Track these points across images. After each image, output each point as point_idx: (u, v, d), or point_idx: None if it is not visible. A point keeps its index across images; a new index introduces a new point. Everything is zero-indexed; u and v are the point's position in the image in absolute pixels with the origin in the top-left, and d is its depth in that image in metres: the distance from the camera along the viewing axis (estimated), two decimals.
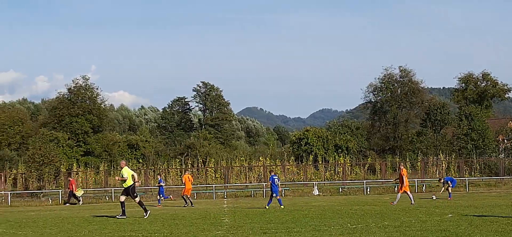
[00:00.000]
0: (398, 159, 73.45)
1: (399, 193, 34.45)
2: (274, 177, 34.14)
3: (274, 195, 33.75)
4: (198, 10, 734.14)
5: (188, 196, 40.16)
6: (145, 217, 26.54)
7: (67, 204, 48.90)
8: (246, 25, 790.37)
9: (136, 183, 27.71)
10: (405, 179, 34.22)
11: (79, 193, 51.10)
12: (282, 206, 32.99)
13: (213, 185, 58.78)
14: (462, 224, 19.70)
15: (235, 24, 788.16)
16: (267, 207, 33.40)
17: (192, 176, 42.13)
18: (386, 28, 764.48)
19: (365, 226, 19.85)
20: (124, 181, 27.39)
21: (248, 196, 54.53)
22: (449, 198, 38.78)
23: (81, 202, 49.55)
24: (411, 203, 32.86)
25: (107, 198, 55.61)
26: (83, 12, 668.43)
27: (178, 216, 27.52)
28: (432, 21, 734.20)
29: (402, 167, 35.59)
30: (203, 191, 57.60)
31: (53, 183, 63.95)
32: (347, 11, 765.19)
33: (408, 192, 34.26)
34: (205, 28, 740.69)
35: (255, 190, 56.36)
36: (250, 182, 63.92)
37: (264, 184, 57.38)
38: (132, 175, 27.66)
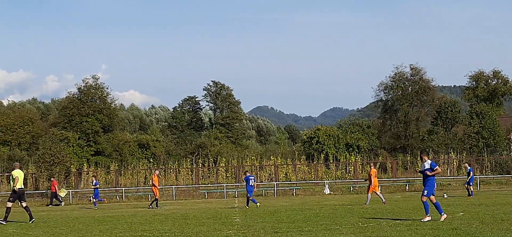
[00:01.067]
0: (409, 157, 73.27)
1: (369, 194, 34.09)
2: (249, 177, 35.24)
3: (248, 195, 34.53)
4: (209, 9, 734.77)
5: (157, 198, 39.16)
6: (30, 222, 25.96)
7: (50, 206, 48.66)
8: (257, 24, 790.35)
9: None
10: (374, 179, 33.94)
11: (62, 193, 51.00)
12: (258, 204, 33.84)
13: (224, 185, 58.81)
14: (474, 222, 19.58)
15: (246, 23, 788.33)
16: (247, 207, 33.98)
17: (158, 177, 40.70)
18: (396, 27, 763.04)
19: (376, 225, 19.76)
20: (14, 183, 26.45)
21: (259, 195, 54.49)
22: (471, 196, 38.60)
23: (63, 203, 49.36)
24: (383, 202, 32.75)
25: (117, 198, 55.70)
26: (94, 12, 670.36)
27: (189, 216, 27.51)
28: (443, 19, 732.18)
29: (371, 167, 35.50)
30: (214, 190, 57.62)
31: (64, 183, 64.10)
32: (358, 9, 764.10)
33: (377, 192, 34.06)
34: (216, 27, 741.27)
35: (266, 189, 56.31)
36: (261, 181, 63.88)
37: (276, 183, 57.32)
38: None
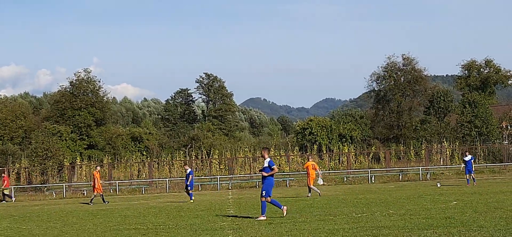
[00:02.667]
0: (402, 147, 73.41)
1: (310, 186, 33.77)
2: (192, 172, 35.83)
3: (189, 188, 34.91)
4: (200, 2, 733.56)
5: (101, 194, 38.58)
6: None
7: (2, 202, 47.84)
8: (249, 15, 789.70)
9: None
10: (311, 172, 33.67)
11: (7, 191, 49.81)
12: (192, 200, 34.07)
13: (218, 177, 58.79)
14: (467, 211, 19.64)
15: (237, 15, 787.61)
16: (192, 200, 34.24)
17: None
18: (388, 17, 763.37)
19: (370, 215, 19.80)
20: None
21: (253, 186, 54.51)
22: (471, 184, 38.49)
23: (14, 199, 48.73)
24: (307, 196, 32.74)
25: (111, 191, 55.62)
26: (86, 5, 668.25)
27: (183, 208, 27.52)
28: (435, 8, 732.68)
29: (310, 160, 35.29)
30: (208, 182, 57.60)
31: (57, 177, 63.94)
32: (349, 0, 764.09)
33: (310, 185, 33.63)
34: (207, 19, 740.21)
35: (260, 181, 56.25)
36: (255, 173, 63.84)
37: None
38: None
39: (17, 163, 72.07)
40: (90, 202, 37.70)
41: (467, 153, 41.54)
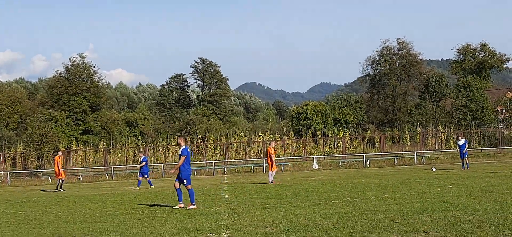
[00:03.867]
0: (397, 131, 73.50)
1: (271, 172, 33.02)
2: (146, 158, 35.60)
3: (145, 176, 34.91)
4: None
5: (62, 179, 37.94)
6: None
7: None
8: (244, 0, 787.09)
9: None
10: (273, 157, 32.96)
11: None
12: (153, 186, 34.03)
13: (213, 161, 58.86)
14: (462, 195, 19.70)
15: (233, 0, 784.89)
16: (138, 188, 33.98)
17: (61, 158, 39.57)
18: (384, 1, 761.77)
19: (365, 199, 19.86)
20: None
21: (248, 171, 54.59)
22: (465, 168, 38.42)
23: None
24: (270, 182, 32.27)
25: (106, 176, 55.65)
26: None
27: None
28: None
29: (272, 144, 34.66)
30: (203, 167, 57.67)
31: (53, 162, 63.87)
32: None
33: (271, 171, 32.91)
34: (202, 3, 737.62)
35: (255, 166, 56.39)
36: (250, 158, 63.95)
37: (263, 159, 57.39)
38: None
39: (12, 148, 72.00)
40: (58, 189, 37.09)
41: (460, 137, 41.47)
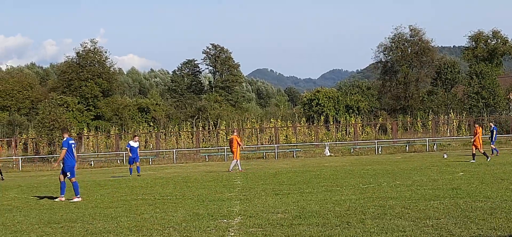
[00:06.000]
0: (409, 118, 73.29)
1: (235, 160, 32.91)
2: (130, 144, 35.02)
3: (136, 160, 34.39)
4: None
5: None
6: None
7: None
8: None
9: None
10: (235, 146, 32.80)
11: None
12: (139, 175, 33.23)
13: (225, 148, 58.84)
14: (473, 182, 19.64)
15: None
16: (132, 175, 33.48)
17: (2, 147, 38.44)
18: None
19: (377, 186, 19.83)
20: None
21: (260, 157, 54.61)
22: (496, 154, 38.32)
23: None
24: (239, 170, 32.21)
25: (118, 162, 55.83)
26: None
27: (190, 179, 27.59)
28: None
29: (235, 133, 34.42)
30: (215, 153, 57.71)
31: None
32: None
33: (237, 159, 32.86)
34: None
35: (267, 152, 56.40)
36: (262, 144, 63.97)
37: (276, 145, 57.40)
38: None
39: (24, 133, 72.34)
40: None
41: (491, 124, 41.80)
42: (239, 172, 31.46)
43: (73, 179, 20.02)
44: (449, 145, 56.11)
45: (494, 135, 40.63)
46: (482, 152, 32.49)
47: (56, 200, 20.03)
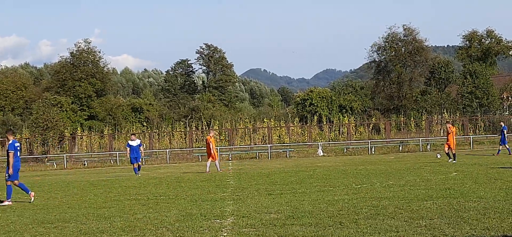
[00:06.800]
0: (402, 118, 73.41)
1: (210, 161, 32.87)
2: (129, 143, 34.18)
3: (138, 161, 33.83)
4: None
5: None
6: None
7: None
8: None
9: None
10: (213, 147, 32.73)
11: None
12: (138, 175, 32.66)
13: (218, 148, 58.80)
14: (467, 182, 19.67)
15: None
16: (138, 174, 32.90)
17: None
18: None
19: (370, 186, 19.84)
20: None
21: (253, 157, 54.62)
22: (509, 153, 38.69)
23: None
24: (218, 170, 32.21)
25: (111, 162, 55.75)
26: None
27: (184, 179, 27.58)
28: None
29: (211, 133, 34.14)
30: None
31: (58, 147, 64.06)
32: None
33: (215, 161, 32.91)
34: None
35: (260, 152, 56.41)
36: (255, 144, 63.98)
37: (269, 145, 57.42)
38: None
39: (18, 133, 72.14)
40: None
41: (502, 124, 42.19)
42: (207, 173, 31.22)
43: (9, 182, 19.45)
44: (443, 145, 56.15)
45: (504, 135, 40.72)
46: (447, 152, 32.68)
47: (32, 201, 19.45)
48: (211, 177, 27.88)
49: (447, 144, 32.90)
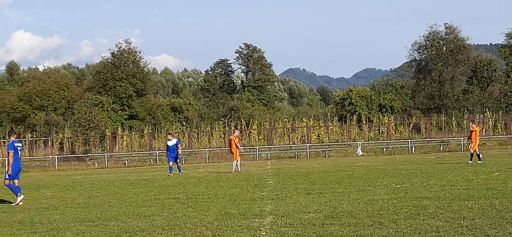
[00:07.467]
0: (443, 117, 72.60)
1: (235, 161, 32.37)
2: (170, 143, 33.64)
3: (175, 160, 33.39)
4: None
5: None
6: None
7: None
8: None
9: None
10: (234, 146, 32.27)
11: None
12: (171, 174, 32.38)
13: (257, 147, 58.87)
14: (510, 182, 19.36)
15: None
16: (171, 174, 32.52)
17: None
18: None
19: (410, 186, 19.65)
20: None
21: (292, 157, 54.52)
22: None
23: None
24: (233, 171, 31.79)
25: (151, 161, 56.16)
26: None
27: (222, 178, 27.65)
28: None
29: (236, 133, 33.86)
30: (247, 153, 57.77)
31: (99, 146, 64.79)
32: None
33: (236, 160, 32.24)
34: None
35: (299, 151, 56.29)
36: (294, 143, 63.88)
37: (308, 145, 57.27)
38: None
39: (60, 133, 73.21)
40: None
41: None
42: (238, 173, 31.19)
43: (7, 182, 19.34)
44: (485, 145, 55.43)
45: None
46: (472, 152, 31.97)
47: (17, 203, 19.20)
48: (249, 177, 27.90)
49: (473, 144, 32.18)
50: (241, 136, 59.68)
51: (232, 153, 33.00)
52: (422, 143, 58.42)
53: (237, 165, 32.35)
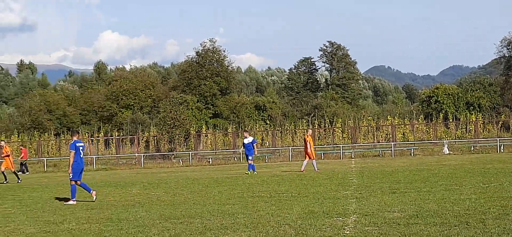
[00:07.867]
0: None
1: (307, 160, 32.14)
2: (245, 141, 33.31)
3: (251, 158, 33.03)
4: None
5: (14, 171, 35.21)
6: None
7: (27, 173, 45.42)
8: None
9: None
10: (310, 145, 31.82)
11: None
12: (249, 172, 32.07)
13: (340, 145, 58.47)
14: None
15: None
16: (249, 172, 32.24)
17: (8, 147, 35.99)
18: None
19: (498, 185, 19.14)
20: None
21: (376, 155, 53.92)
22: None
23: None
24: (315, 170, 31.15)
25: (235, 159, 56.59)
26: None
27: (306, 177, 27.62)
28: None
29: (309, 132, 33.58)
30: (331, 151, 57.48)
31: (183, 145, 65.73)
32: None
33: (309, 159, 31.94)
34: None
35: (383, 150, 55.62)
36: (378, 142, 63.16)
37: (393, 143, 56.53)
38: None
39: (146, 131, 74.73)
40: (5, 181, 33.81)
41: None
42: (302, 171, 31.09)
43: (72, 182, 19.64)
44: None
45: None
46: None
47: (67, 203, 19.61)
48: (333, 175, 27.77)
49: None
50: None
51: (307, 154, 32.70)
52: (511, 142, 56.73)
53: (313, 164, 32.13)
